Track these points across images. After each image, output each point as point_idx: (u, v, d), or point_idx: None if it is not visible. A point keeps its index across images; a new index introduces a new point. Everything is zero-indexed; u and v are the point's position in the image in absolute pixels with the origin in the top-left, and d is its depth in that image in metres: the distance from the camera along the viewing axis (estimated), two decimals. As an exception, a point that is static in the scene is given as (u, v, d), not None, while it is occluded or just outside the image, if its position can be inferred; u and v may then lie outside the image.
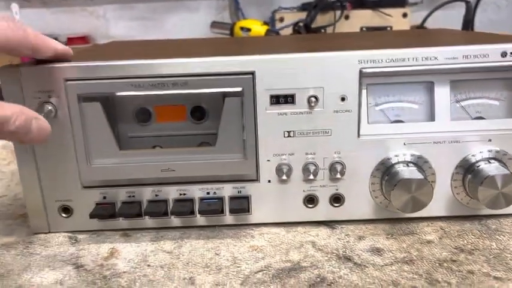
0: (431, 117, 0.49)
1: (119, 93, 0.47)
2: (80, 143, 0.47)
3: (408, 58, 0.46)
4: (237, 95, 0.46)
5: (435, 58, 0.46)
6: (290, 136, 0.48)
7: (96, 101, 0.46)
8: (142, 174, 0.48)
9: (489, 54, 0.45)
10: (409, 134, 0.48)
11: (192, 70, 0.46)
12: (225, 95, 0.46)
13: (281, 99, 0.47)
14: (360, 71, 0.46)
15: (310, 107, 0.47)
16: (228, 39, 0.83)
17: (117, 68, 0.46)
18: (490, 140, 0.48)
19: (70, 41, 1.26)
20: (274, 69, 0.46)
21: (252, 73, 0.46)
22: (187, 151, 0.49)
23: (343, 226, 0.50)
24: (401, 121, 0.49)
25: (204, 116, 0.50)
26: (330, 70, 0.46)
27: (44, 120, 0.39)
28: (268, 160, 0.49)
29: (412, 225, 0.50)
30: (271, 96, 0.47)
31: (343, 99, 0.47)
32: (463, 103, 0.49)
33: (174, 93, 0.46)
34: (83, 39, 1.29)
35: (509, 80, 0.49)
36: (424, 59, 0.46)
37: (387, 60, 0.46)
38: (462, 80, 0.48)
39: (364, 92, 0.48)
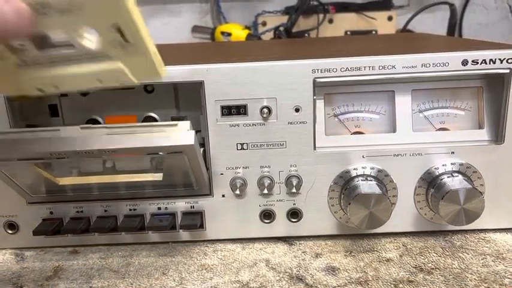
0: (393, 128, 0.47)
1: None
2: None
3: (364, 67, 0.43)
4: (185, 106, 0.44)
5: (393, 67, 0.43)
6: (243, 149, 0.45)
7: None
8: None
9: (449, 62, 0.43)
10: (368, 146, 0.46)
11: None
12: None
13: (233, 110, 0.44)
14: (314, 81, 0.44)
15: (263, 118, 0.44)
16: (198, 44, 0.81)
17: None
18: (453, 153, 0.45)
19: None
20: (223, 79, 0.43)
21: (201, 83, 0.44)
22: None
23: (302, 242, 0.48)
24: (361, 132, 0.47)
25: (156, 127, 0.48)
26: (283, 80, 0.43)
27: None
28: (222, 174, 0.46)
29: (374, 242, 0.47)
30: (222, 107, 0.44)
31: (297, 110, 0.44)
32: (426, 113, 0.47)
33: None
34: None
35: (474, 89, 0.46)
36: (381, 67, 0.43)
37: (342, 69, 0.43)
38: (424, 89, 0.46)
39: (320, 102, 0.46)
